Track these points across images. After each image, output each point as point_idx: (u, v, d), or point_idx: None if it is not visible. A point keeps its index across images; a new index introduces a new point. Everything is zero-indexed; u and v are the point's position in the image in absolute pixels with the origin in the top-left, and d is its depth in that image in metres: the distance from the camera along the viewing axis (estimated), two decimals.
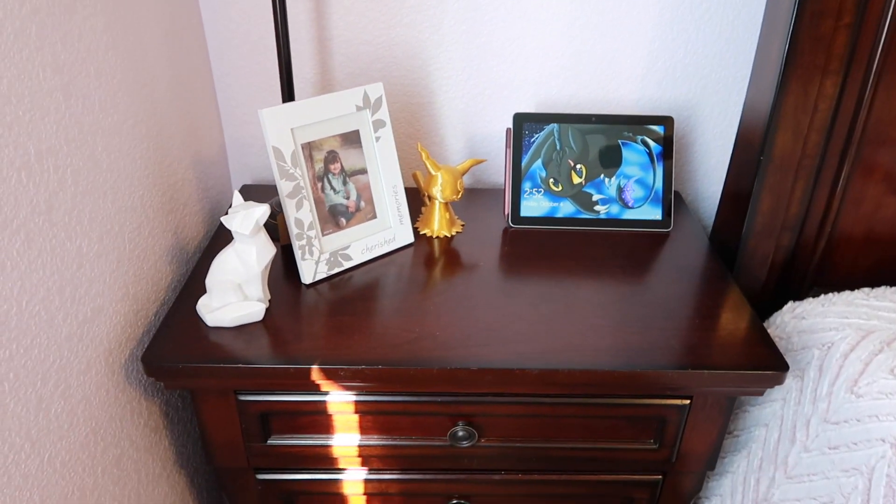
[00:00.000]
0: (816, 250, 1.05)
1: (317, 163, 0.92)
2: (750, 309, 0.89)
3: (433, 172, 1.02)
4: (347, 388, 0.84)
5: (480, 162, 1.06)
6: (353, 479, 0.94)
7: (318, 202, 0.93)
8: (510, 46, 1.13)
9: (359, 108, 0.94)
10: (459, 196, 1.03)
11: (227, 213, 0.82)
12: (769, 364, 0.80)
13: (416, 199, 1.13)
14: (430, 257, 1.00)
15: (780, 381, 0.80)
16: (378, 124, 0.96)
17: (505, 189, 1.09)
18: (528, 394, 0.85)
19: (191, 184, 1.06)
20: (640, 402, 0.85)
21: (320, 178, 0.93)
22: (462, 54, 1.14)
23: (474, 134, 1.21)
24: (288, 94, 0.99)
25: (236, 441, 0.89)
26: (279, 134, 0.87)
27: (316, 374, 0.79)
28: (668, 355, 0.81)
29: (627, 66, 1.14)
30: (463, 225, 1.09)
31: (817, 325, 0.94)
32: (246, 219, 0.80)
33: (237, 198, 0.83)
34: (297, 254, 0.91)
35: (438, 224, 1.05)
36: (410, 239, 1.03)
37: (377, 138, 0.97)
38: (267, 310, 0.88)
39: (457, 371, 0.79)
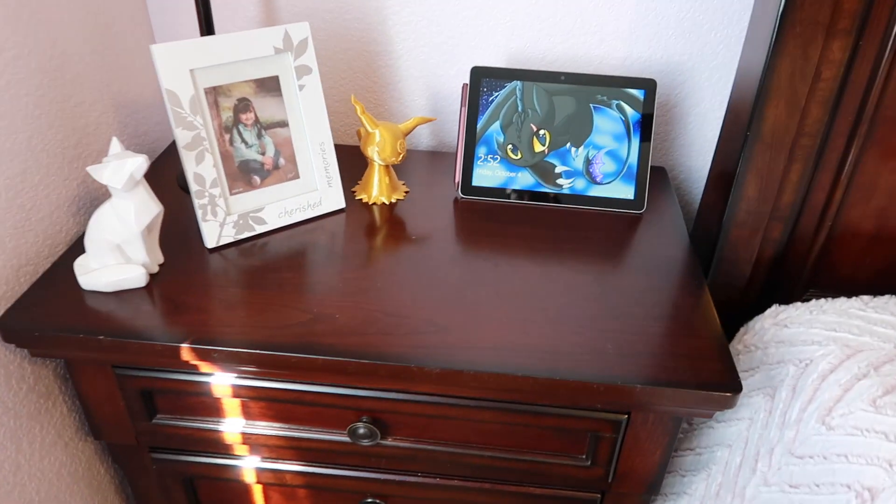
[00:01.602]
0: (814, 247, 0.90)
1: (224, 111, 0.80)
2: (714, 314, 0.75)
3: (370, 130, 0.89)
4: (226, 371, 0.73)
5: (427, 121, 0.93)
6: (252, 468, 0.84)
7: (226, 156, 0.81)
8: None
9: (278, 51, 0.81)
10: (400, 158, 0.91)
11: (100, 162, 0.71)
12: (720, 383, 0.66)
13: (363, 160, 1.01)
14: (360, 227, 0.88)
15: (730, 405, 0.66)
16: (302, 70, 0.84)
17: (457, 154, 0.95)
18: (436, 393, 0.73)
19: (109, 128, 0.95)
20: (568, 413, 0.72)
21: (228, 129, 0.81)
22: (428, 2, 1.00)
23: (438, 89, 1.07)
24: (207, 31, 0.87)
25: (121, 416, 0.80)
26: (175, 75, 0.76)
27: (187, 354, 0.69)
28: (602, 363, 0.68)
29: (612, 18, 0.99)
30: (406, 192, 0.96)
31: (800, 335, 0.80)
32: (117, 171, 0.70)
33: (115, 145, 0.72)
34: (198, 214, 0.80)
35: (377, 189, 0.93)
36: (340, 204, 0.91)
37: (301, 87, 0.84)
38: (156, 275, 0.78)
39: (343, 362, 0.67)
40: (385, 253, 0.83)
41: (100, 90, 0.92)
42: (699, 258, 0.87)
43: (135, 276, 0.75)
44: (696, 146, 1.08)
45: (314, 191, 0.88)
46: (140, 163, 0.70)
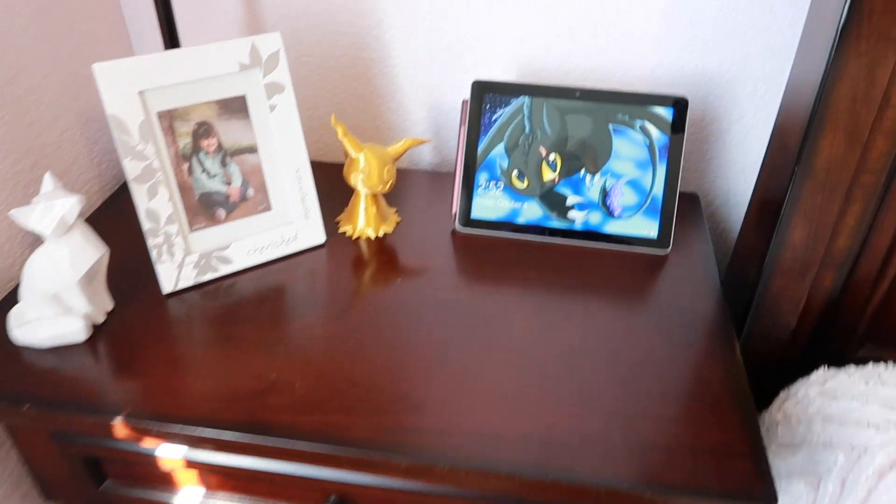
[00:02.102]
0: (873, 297, 0.76)
1: (181, 137, 0.70)
2: (747, 392, 0.63)
3: (353, 154, 0.78)
4: (170, 445, 0.64)
5: (420, 143, 0.81)
6: None
7: (184, 188, 0.71)
8: None
9: (244, 67, 0.71)
10: (388, 186, 0.80)
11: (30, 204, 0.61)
12: (750, 492, 0.54)
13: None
14: (341, 267, 0.77)
15: None
16: (273, 89, 0.73)
17: (454, 180, 0.84)
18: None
19: (74, 147, 0.86)
20: None
21: (186, 158, 0.71)
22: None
23: (439, 100, 0.95)
24: (171, 42, 0.77)
25: (67, 481, 0.71)
26: (121, 98, 0.66)
27: (122, 429, 0.60)
28: (605, 457, 0.56)
29: (638, 22, 0.85)
30: (398, 222, 0.85)
31: (852, 412, 0.67)
32: (46, 214, 0.60)
33: (47, 182, 0.63)
34: (152, 255, 0.70)
35: (363, 220, 0.82)
36: (320, 239, 0.80)
37: (272, 107, 0.73)
38: (104, 324, 0.69)
39: (296, 451, 0.57)
40: (364, 301, 0.72)
41: (62, 104, 0.83)
42: (732, 312, 0.74)
43: (73, 331, 0.66)
44: (735, 168, 0.94)
45: (289, 224, 0.78)
46: (72, 204, 0.61)
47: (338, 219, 0.85)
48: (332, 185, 0.86)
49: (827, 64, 0.62)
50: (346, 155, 0.79)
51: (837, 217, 0.70)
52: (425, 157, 1.00)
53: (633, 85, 0.89)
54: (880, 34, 0.60)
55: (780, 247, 0.72)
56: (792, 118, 0.71)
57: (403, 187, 0.92)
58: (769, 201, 0.76)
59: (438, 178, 0.95)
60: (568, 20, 0.86)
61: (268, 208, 0.77)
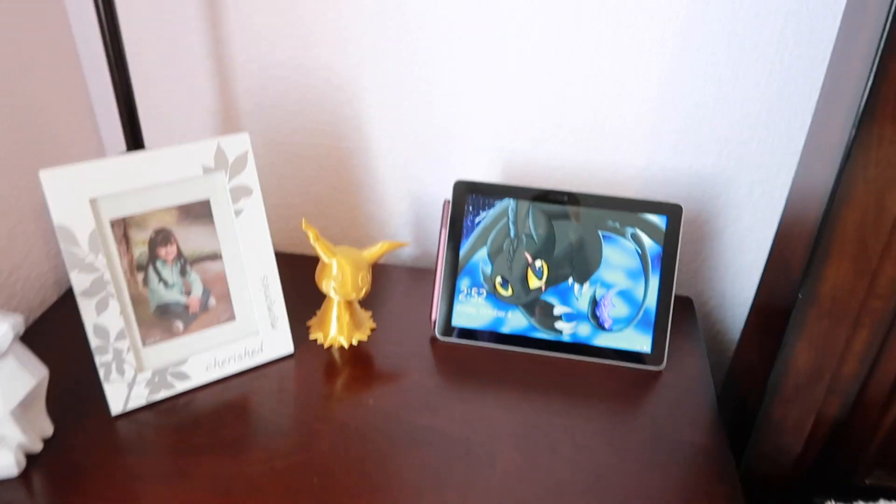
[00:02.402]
0: (882, 422, 0.71)
1: (136, 245, 0.64)
2: None
3: (325, 260, 0.73)
4: None
5: (399, 246, 0.76)
6: None
7: (138, 300, 0.66)
8: (468, 81, 0.82)
9: (208, 170, 0.66)
10: (363, 293, 0.74)
11: None
12: None
13: None
14: (308, 382, 0.71)
15: None
16: (240, 192, 0.68)
17: (434, 285, 0.78)
18: None
19: (28, 240, 0.80)
20: None
21: (142, 268, 0.65)
22: (402, 87, 0.84)
23: (422, 194, 0.91)
24: (132, 137, 0.72)
25: None
26: (70, 207, 0.60)
27: None
28: None
29: (631, 121, 0.81)
30: (373, 329, 0.79)
31: None
32: None
33: None
34: (100, 373, 0.64)
35: (336, 328, 0.76)
36: (288, 349, 0.74)
37: (238, 211, 0.68)
38: (41, 453, 0.62)
39: None
40: (332, 426, 0.66)
41: (16, 195, 0.78)
42: (730, 431, 0.68)
43: (3, 466, 0.59)
44: (732, 270, 0.89)
45: (254, 335, 0.72)
46: (4, 332, 0.54)
47: (309, 323, 0.79)
48: (307, 281, 0.80)
49: (833, 188, 0.58)
50: (320, 257, 0.74)
51: (845, 344, 0.65)
52: (405, 249, 0.95)
53: (625, 184, 0.85)
54: (890, 161, 0.56)
55: (783, 373, 0.67)
56: (794, 234, 0.66)
57: (382, 285, 0.87)
58: (769, 317, 0.71)
59: (419, 275, 0.90)
60: (556, 116, 0.82)
61: (231, 318, 0.71)
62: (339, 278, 0.72)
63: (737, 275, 0.90)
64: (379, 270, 0.90)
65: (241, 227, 0.69)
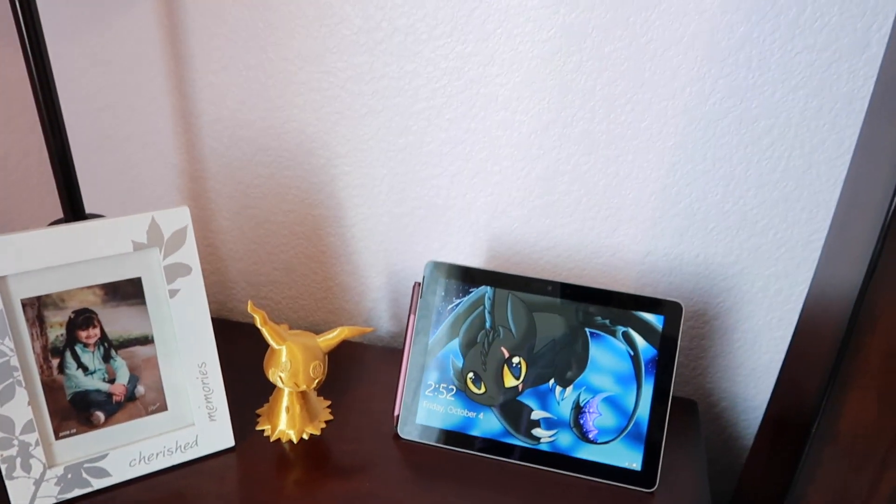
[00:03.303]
0: None
1: (52, 328, 0.58)
2: None
3: (274, 346, 0.65)
4: None
5: (360, 333, 0.68)
6: None
7: (51, 388, 0.58)
8: (452, 150, 0.75)
9: (140, 247, 0.59)
10: (316, 384, 0.66)
11: None
12: None
13: None
14: (248, 479, 0.63)
15: None
16: (176, 271, 0.61)
17: (400, 378, 0.70)
18: None
19: None
20: None
21: (58, 353, 0.58)
22: (379, 154, 0.77)
23: (401, 268, 0.83)
24: (69, 202, 0.66)
25: None
26: None
27: None
28: None
29: (630, 202, 0.73)
30: (328, 421, 0.71)
31: None
32: None
33: None
34: (2, 469, 0.57)
35: (285, 421, 0.68)
36: (227, 443, 0.66)
37: (173, 292, 0.61)
38: None
39: None
40: None
41: None
42: None
43: None
44: (744, 370, 0.79)
45: (188, 427, 0.64)
46: None
47: (260, 411, 0.71)
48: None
49: (855, 308, 0.48)
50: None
51: (868, 489, 0.54)
52: (382, 325, 0.87)
53: (622, 271, 0.76)
54: None
55: None
56: (810, 352, 0.56)
57: (348, 367, 0.79)
58: (782, 438, 0.60)
59: (393, 357, 0.82)
60: (549, 192, 0.74)
61: (162, 408, 0.63)
62: (289, 367, 0.65)
63: (750, 376, 0.79)
64: (349, 349, 0.82)
65: (177, 309, 0.61)
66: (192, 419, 0.64)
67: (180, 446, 0.64)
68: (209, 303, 0.88)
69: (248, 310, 0.63)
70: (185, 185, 0.83)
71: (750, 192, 0.69)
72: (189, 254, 0.61)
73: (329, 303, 0.86)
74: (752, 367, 0.79)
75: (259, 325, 0.64)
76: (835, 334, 0.51)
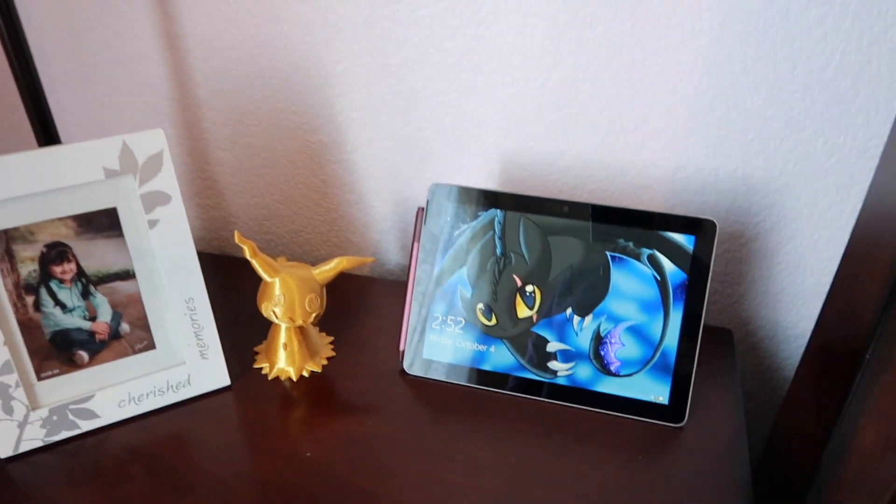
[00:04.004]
0: None
1: (23, 263, 0.54)
2: None
3: (267, 279, 0.60)
4: None
5: (360, 264, 0.63)
6: None
7: (28, 327, 0.55)
8: (459, 62, 0.68)
9: (111, 174, 0.54)
10: (314, 318, 0.61)
11: None
12: None
13: None
14: (243, 425, 0.59)
15: None
16: (154, 199, 0.56)
17: (404, 311, 0.65)
18: None
19: None
20: None
21: (33, 289, 0.54)
22: (380, 70, 0.70)
23: (408, 195, 0.77)
24: (42, 135, 0.61)
25: None
26: None
27: None
28: None
29: (661, 111, 0.65)
30: (330, 357, 0.66)
31: None
32: None
33: None
34: None
35: (284, 358, 0.64)
36: (222, 381, 0.62)
37: (152, 222, 0.56)
38: None
39: None
40: (247, 485, 0.53)
41: None
42: None
43: None
44: (787, 297, 0.72)
45: (179, 366, 0.60)
46: None
47: (259, 348, 0.67)
48: None
49: None
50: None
51: None
52: (391, 257, 0.82)
53: (651, 190, 0.69)
54: None
55: (843, 451, 0.50)
56: (863, 271, 0.49)
57: (354, 302, 0.74)
58: (829, 367, 0.54)
59: (401, 289, 0.77)
60: (567, 106, 0.67)
61: (150, 347, 0.59)
62: (283, 301, 0.60)
63: (792, 303, 0.72)
64: (355, 283, 0.77)
65: (158, 241, 0.57)
66: (183, 357, 0.60)
67: (172, 386, 0.60)
68: (211, 239, 0.84)
69: (236, 240, 0.58)
70: (177, 115, 0.77)
71: (796, 94, 0.61)
72: (167, 181, 0.56)
73: (334, 235, 0.81)
74: (794, 293, 0.71)
75: (249, 257, 0.59)
76: (892, 254, 0.44)
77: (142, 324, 0.59)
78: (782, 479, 0.59)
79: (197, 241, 0.86)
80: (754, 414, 0.78)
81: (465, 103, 0.69)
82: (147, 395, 0.59)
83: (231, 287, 0.74)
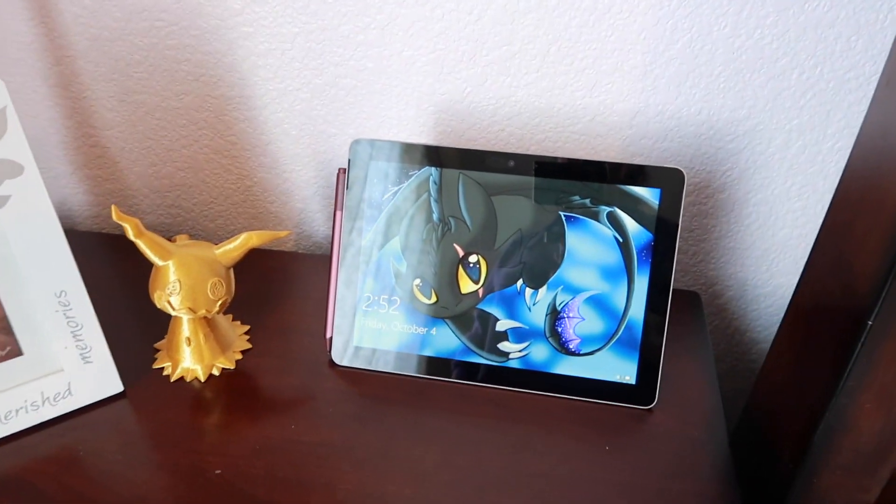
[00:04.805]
0: None
1: None
2: None
3: (158, 263, 0.50)
4: None
5: (273, 238, 0.53)
6: None
7: None
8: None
9: None
10: (219, 307, 0.52)
11: None
12: None
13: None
14: (147, 430, 0.50)
15: None
16: (1, 171, 0.45)
17: (329, 292, 0.55)
18: None
19: None
20: None
21: None
22: (289, 7, 0.59)
23: (333, 156, 0.67)
24: None
25: None
26: None
27: None
28: None
29: (616, 47, 0.56)
30: (246, 350, 0.57)
31: None
32: None
33: None
34: None
35: (189, 356, 0.54)
36: (113, 388, 0.52)
37: (2, 199, 0.45)
38: None
39: None
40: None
41: None
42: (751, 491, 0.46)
43: None
44: (755, 252, 0.65)
45: (55, 373, 0.50)
46: None
47: (159, 344, 0.57)
48: None
49: None
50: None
51: None
52: (318, 227, 0.72)
53: (606, 138, 0.60)
54: None
55: (838, 430, 0.43)
56: (859, 222, 0.42)
57: (275, 280, 0.64)
58: (815, 331, 0.47)
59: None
60: (507, 42, 0.57)
61: (15, 353, 0.49)
62: (179, 288, 0.50)
63: (762, 258, 0.65)
64: (275, 260, 0.67)
65: (11, 222, 0.46)
66: (60, 363, 0.50)
67: (48, 398, 0.50)
68: (107, 216, 0.73)
69: (114, 218, 0.48)
70: (49, 69, 0.65)
71: (769, 19, 0.53)
72: (16, 146, 0.45)
73: (250, 206, 0.71)
74: (764, 248, 0.65)
75: (132, 238, 0.49)
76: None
77: (1, 326, 0.48)
78: (763, 460, 0.52)
79: (89, 221, 0.74)
80: (723, 378, 0.72)
81: (388, 43, 0.59)
82: (16, 411, 0.49)
83: (131, 273, 0.63)
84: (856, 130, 0.56)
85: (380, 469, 0.47)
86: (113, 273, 0.63)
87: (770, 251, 0.65)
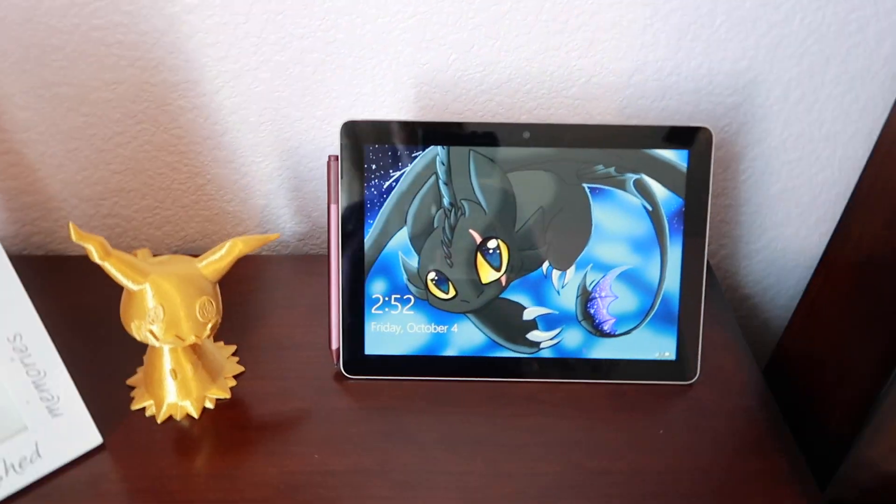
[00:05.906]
0: None
1: None
2: None
3: (132, 287, 0.42)
4: None
5: (263, 243, 0.45)
6: None
7: None
8: None
9: None
10: (209, 331, 0.44)
11: None
12: None
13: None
14: (132, 489, 0.42)
15: None
16: None
17: (331, 297, 0.48)
18: None
19: None
20: None
21: None
22: None
23: (298, 144, 0.59)
24: None
25: None
26: None
27: None
28: None
29: (607, 1, 0.52)
30: (239, 375, 0.49)
31: None
32: None
33: None
34: None
35: (174, 391, 0.46)
36: (90, 441, 0.44)
37: None
38: None
39: None
40: None
41: None
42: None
43: None
44: (749, 207, 0.64)
45: (19, 433, 0.41)
46: None
47: (132, 381, 0.48)
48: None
49: None
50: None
51: None
52: (284, 224, 0.64)
53: (599, 102, 0.57)
54: None
55: (875, 431, 0.42)
56: (885, 177, 0.40)
57: (249, 289, 0.56)
58: (841, 323, 0.45)
59: (307, 265, 0.60)
60: (495, 2, 0.52)
61: None
62: (161, 315, 0.42)
63: (755, 213, 0.64)
64: (243, 267, 0.59)
65: None
66: (22, 421, 0.41)
67: (12, 465, 0.41)
68: (29, 235, 0.62)
69: (74, 238, 0.39)
70: None
71: None
72: None
73: (203, 207, 0.62)
74: (758, 203, 0.64)
75: (98, 261, 0.40)
76: None
77: None
78: (811, 428, 0.51)
79: (6, 242, 0.63)
80: None
81: (362, 8, 0.52)
82: None
83: (71, 298, 0.54)
84: (855, 75, 0.55)
85: (425, 490, 0.42)
86: (58, 302, 0.53)
87: (764, 205, 0.64)
